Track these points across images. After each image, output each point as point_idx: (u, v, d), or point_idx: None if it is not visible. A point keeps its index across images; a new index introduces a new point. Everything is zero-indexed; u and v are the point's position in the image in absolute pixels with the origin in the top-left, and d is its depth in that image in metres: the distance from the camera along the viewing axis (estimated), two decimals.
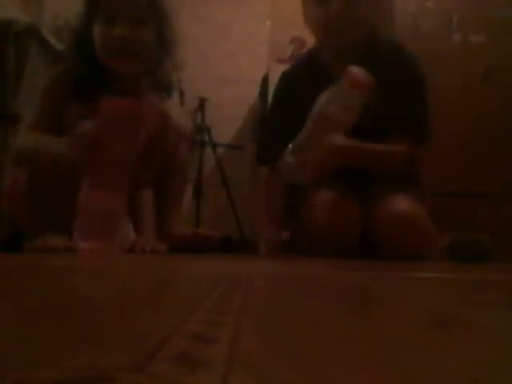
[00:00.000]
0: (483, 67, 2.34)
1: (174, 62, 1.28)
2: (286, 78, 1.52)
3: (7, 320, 0.27)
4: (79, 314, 0.30)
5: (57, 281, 0.52)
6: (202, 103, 2.83)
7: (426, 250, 1.25)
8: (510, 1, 2.38)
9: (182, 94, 2.68)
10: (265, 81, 2.58)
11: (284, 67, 1.71)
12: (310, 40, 2.64)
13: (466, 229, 1.42)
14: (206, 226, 2.57)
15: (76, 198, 1.15)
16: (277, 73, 1.69)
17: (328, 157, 1.24)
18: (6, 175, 1.26)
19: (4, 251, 1.06)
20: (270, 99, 2.32)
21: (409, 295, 0.49)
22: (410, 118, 1.37)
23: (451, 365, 0.20)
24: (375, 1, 1.42)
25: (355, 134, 1.27)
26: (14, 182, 1.20)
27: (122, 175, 1.21)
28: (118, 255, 1.09)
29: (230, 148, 2.82)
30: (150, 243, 1.17)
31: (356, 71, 1.20)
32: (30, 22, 1.68)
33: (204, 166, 2.69)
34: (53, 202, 1.17)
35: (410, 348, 0.23)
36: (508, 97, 2.32)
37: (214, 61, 2.99)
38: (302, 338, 0.24)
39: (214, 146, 2.68)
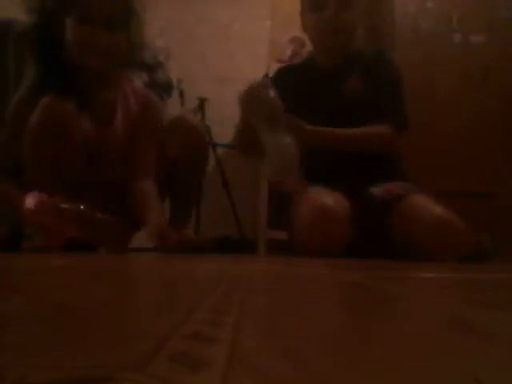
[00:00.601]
0: (483, 67, 2.34)
1: (145, 64, 1.35)
2: (282, 70, 1.67)
3: (7, 320, 0.27)
4: (79, 314, 0.30)
5: (57, 281, 0.52)
6: (201, 103, 2.83)
7: (465, 250, 1.26)
8: (510, 1, 2.38)
9: (181, 94, 2.67)
10: None
11: None
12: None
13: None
14: (206, 226, 2.57)
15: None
16: None
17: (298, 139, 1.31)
18: None
19: (4, 251, 1.06)
20: None
21: (408, 295, 0.49)
22: (387, 105, 1.49)
23: (452, 364, 0.20)
24: (367, 6, 1.55)
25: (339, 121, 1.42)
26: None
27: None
28: (118, 255, 1.09)
29: (230, 148, 2.82)
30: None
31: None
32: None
33: None
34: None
35: (410, 348, 0.23)
36: (508, 97, 2.32)
37: (214, 61, 2.99)
38: (302, 338, 0.24)
39: (214, 146, 2.67)
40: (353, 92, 1.47)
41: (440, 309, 0.39)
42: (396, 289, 0.55)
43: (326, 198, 1.29)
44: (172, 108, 2.43)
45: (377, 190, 1.39)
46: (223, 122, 2.92)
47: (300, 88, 1.53)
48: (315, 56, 1.60)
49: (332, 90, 1.49)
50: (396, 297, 0.47)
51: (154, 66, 1.33)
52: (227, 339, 0.22)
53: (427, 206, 1.30)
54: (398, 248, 1.34)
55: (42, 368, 0.17)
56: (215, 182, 2.65)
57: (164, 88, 1.40)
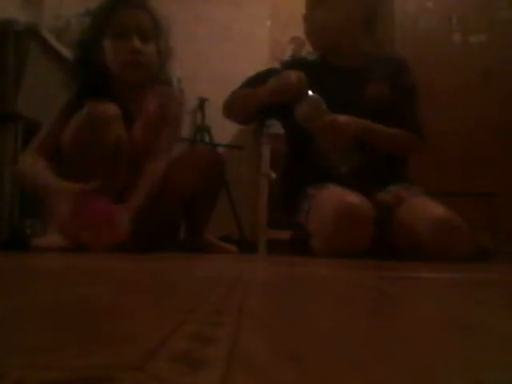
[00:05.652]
0: (483, 67, 2.34)
1: (169, 69, 1.43)
2: (294, 62, 1.70)
3: (7, 320, 0.27)
4: (79, 314, 0.30)
5: (57, 281, 0.52)
6: (202, 103, 2.83)
7: (467, 249, 1.26)
8: (510, 1, 2.38)
9: (181, 94, 2.68)
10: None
11: None
12: None
13: None
14: None
15: None
16: None
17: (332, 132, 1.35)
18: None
19: (9, 250, 1.06)
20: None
21: (408, 295, 0.49)
22: (412, 115, 1.50)
23: (452, 365, 0.20)
24: (367, 4, 1.53)
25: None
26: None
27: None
28: (118, 256, 1.09)
29: (230, 148, 2.82)
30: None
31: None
32: (29, 22, 1.68)
33: None
34: None
35: (410, 348, 0.23)
36: (508, 97, 2.32)
37: (214, 61, 2.99)
38: (302, 338, 0.24)
39: (214, 146, 2.68)
40: (378, 97, 1.46)
41: (440, 309, 0.39)
42: (396, 289, 0.55)
43: (352, 197, 1.25)
44: None
45: (388, 196, 1.39)
46: (223, 122, 2.92)
47: (314, 83, 1.47)
48: (325, 56, 1.58)
49: (353, 92, 1.47)
50: (396, 297, 0.47)
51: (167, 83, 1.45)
52: (227, 339, 0.22)
53: (429, 206, 1.30)
54: (399, 248, 1.34)
55: (42, 368, 0.17)
56: None
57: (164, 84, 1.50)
